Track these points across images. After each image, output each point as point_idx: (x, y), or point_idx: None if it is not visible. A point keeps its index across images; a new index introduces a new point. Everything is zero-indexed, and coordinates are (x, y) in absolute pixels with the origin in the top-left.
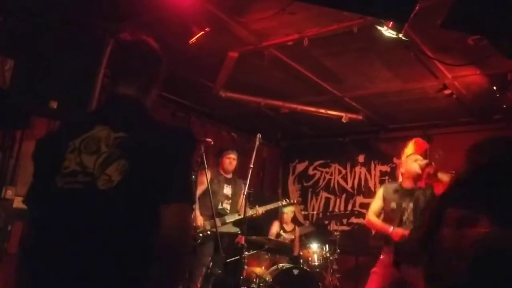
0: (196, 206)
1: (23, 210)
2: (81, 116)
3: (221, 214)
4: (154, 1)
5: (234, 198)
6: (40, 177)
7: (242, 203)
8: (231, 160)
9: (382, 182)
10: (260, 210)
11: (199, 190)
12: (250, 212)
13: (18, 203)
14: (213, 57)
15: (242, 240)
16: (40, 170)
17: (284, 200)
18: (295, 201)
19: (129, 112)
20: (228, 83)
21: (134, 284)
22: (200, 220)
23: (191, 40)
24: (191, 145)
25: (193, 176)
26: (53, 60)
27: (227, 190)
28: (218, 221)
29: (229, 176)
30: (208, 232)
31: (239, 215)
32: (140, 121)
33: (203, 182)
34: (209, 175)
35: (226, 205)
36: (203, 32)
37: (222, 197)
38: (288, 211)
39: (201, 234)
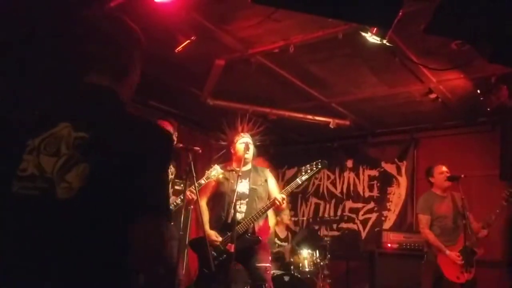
0: (205, 220)
1: None
2: (43, 109)
3: (237, 221)
4: (139, 10)
5: (252, 193)
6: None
7: (274, 192)
8: (247, 145)
9: (370, 186)
10: (283, 196)
11: (202, 202)
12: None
13: None
14: (200, 65)
15: (231, 248)
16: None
17: (304, 172)
18: (320, 165)
19: (97, 107)
20: (215, 91)
21: None
22: (214, 237)
23: (177, 49)
24: (166, 146)
25: (181, 185)
26: (39, 70)
27: (242, 186)
28: (230, 237)
29: (246, 168)
30: (224, 256)
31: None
32: (108, 118)
33: (205, 192)
34: (205, 178)
35: (241, 207)
36: (189, 41)
37: (233, 198)
38: (284, 217)
39: (216, 262)
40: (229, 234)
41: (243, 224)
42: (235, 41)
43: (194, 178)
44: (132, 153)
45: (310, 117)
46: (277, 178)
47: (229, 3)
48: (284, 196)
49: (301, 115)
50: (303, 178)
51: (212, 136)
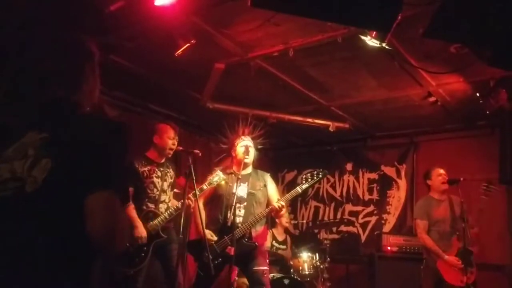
0: (203, 219)
1: None
2: (11, 123)
3: (234, 226)
4: (139, 14)
5: (250, 197)
6: None
7: (274, 198)
8: (247, 148)
9: (370, 189)
10: (282, 203)
11: (200, 203)
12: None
13: None
14: (199, 68)
15: (231, 251)
16: None
17: (305, 181)
18: (320, 174)
19: (56, 113)
20: (215, 95)
21: (75, 284)
22: (209, 236)
23: (177, 53)
24: (118, 135)
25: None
26: (37, 74)
27: (241, 190)
28: (226, 240)
29: (245, 171)
30: (220, 259)
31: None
32: (66, 120)
33: (203, 194)
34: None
35: (239, 211)
36: (189, 44)
37: (232, 202)
38: (283, 219)
39: (216, 262)
40: (225, 237)
41: (241, 229)
42: (235, 44)
43: (194, 181)
44: (85, 142)
45: (309, 120)
46: (276, 181)
47: (229, 7)
48: (283, 204)
49: (300, 119)
50: (303, 187)
51: (212, 140)
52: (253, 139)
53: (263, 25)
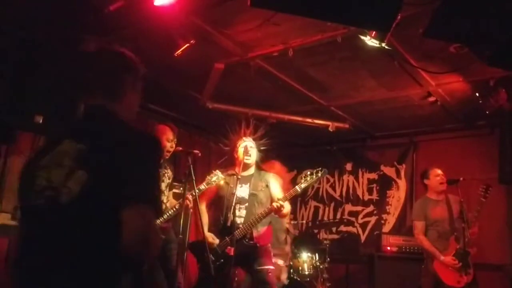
0: (204, 222)
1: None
2: (56, 132)
3: (231, 228)
4: (138, 14)
5: (252, 198)
6: (18, 195)
7: (277, 195)
8: (246, 149)
9: (370, 190)
10: (281, 203)
11: (201, 205)
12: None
13: (3, 219)
14: (199, 68)
15: (231, 251)
16: (19, 189)
17: (304, 179)
18: (323, 172)
19: (94, 123)
20: (215, 94)
21: None
22: (210, 239)
23: (177, 53)
24: (150, 149)
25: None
26: (38, 74)
27: (242, 191)
28: (228, 241)
29: (247, 172)
30: (222, 260)
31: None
32: (103, 131)
33: (205, 196)
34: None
35: (240, 212)
36: (188, 44)
37: (233, 202)
38: (284, 220)
39: (214, 266)
40: (227, 238)
41: (242, 229)
42: (234, 44)
43: (194, 181)
44: (120, 156)
45: (309, 120)
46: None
47: (228, 7)
48: (282, 204)
49: (300, 119)
50: (302, 186)
51: (211, 140)
52: (254, 139)
53: (263, 25)
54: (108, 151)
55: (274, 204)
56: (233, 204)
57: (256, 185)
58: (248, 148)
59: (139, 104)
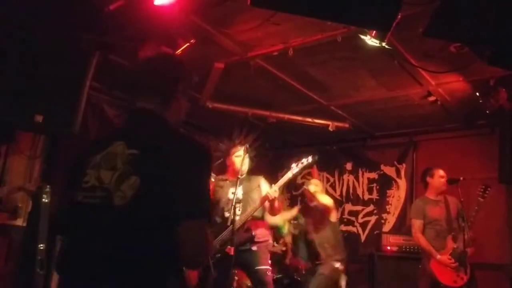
0: None
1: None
2: (107, 132)
3: (227, 224)
4: (138, 13)
5: (245, 197)
6: (65, 191)
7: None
8: (240, 158)
9: (370, 189)
10: (272, 190)
11: None
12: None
13: (3, 219)
14: (199, 68)
15: (231, 251)
16: (67, 183)
17: (296, 165)
18: (310, 160)
19: (145, 127)
20: (215, 94)
21: None
22: None
23: (177, 52)
24: (205, 160)
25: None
26: (38, 73)
27: (238, 192)
28: (226, 235)
29: (236, 178)
30: (219, 255)
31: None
32: (155, 136)
33: None
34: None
35: (237, 211)
36: (188, 44)
37: (228, 204)
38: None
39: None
40: (224, 231)
41: (238, 220)
42: (234, 44)
43: (214, 181)
44: (175, 165)
45: (309, 120)
46: (276, 181)
47: (228, 7)
48: (276, 189)
49: (300, 118)
50: (294, 171)
51: (211, 139)
52: (249, 146)
53: (263, 24)
54: (161, 159)
55: (270, 191)
56: (234, 203)
57: (248, 186)
58: (244, 158)
59: (186, 111)
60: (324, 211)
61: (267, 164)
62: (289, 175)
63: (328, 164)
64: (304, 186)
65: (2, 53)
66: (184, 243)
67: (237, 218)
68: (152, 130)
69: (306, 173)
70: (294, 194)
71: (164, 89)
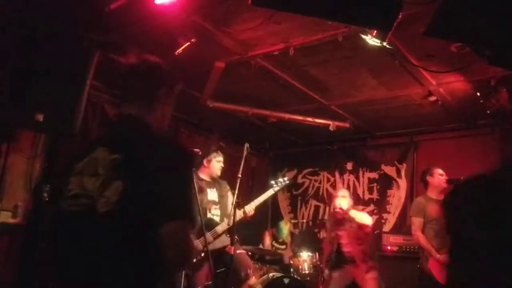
0: None
1: (8, 225)
2: (92, 139)
3: (211, 225)
4: (139, 12)
5: (222, 200)
6: (52, 199)
7: (231, 206)
8: (221, 164)
9: (370, 189)
10: (249, 208)
11: None
12: (241, 214)
13: (4, 217)
14: (200, 67)
15: (231, 250)
16: (56, 191)
17: (276, 184)
18: (287, 180)
19: (128, 133)
20: (215, 93)
21: None
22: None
23: (178, 51)
24: (187, 164)
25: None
26: (39, 72)
27: (212, 194)
28: (209, 236)
29: (211, 179)
30: (202, 255)
31: (229, 224)
32: (138, 141)
33: None
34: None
35: (215, 211)
36: (189, 43)
37: (209, 204)
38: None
39: (194, 260)
40: (208, 233)
41: (220, 226)
42: (235, 43)
43: (195, 180)
44: (157, 169)
45: (310, 119)
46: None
47: (229, 6)
48: (253, 208)
49: (301, 118)
50: (275, 190)
51: (211, 139)
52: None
53: (264, 23)
54: (144, 163)
55: (247, 209)
56: (234, 202)
57: (221, 189)
58: (222, 163)
59: (171, 116)
60: (363, 227)
61: (268, 164)
62: (268, 194)
63: (329, 164)
64: (334, 205)
65: (3, 52)
66: (165, 245)
67: (218, 219)
68: (135, 136)
69: (307, 173)
70: (295, 193)
71: (147, 95)
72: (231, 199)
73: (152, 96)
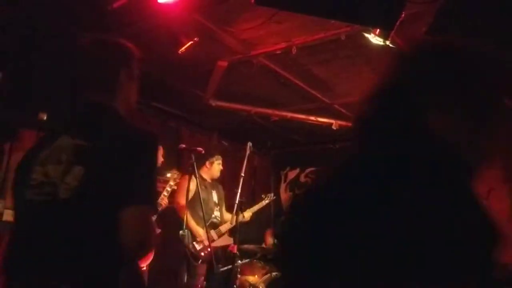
0: (189, 217)
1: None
2: (54, 128)
3: (216, 224)
4: (141, 11)
5: (221, 202)
6: (14, 190)
7: (224, 210)
8: (221, 166)
9: None
10: (247, 214)
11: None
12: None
13: (7, 216)
14: (202, 66)
15: (234, 249)
16: (14, 182)
17: (267, 197)
18: (272, 196)
19: (92, 119)
20: (218, 92)
21: (104, 285)
22: (200, 233)
23: (180, 50)
24: (150, 148)
25: (172, 183)
26: (42, 72)
27: (214, 196)
28: (214, 234)
29: (211, 181)
30: (209, 249)
31: (232, 224)
32: (101, 126)
33: (192, 189)
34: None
35: (217, 213)
36: (191, 42)
37: (213, 204)
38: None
39: (202, 253)
40: (213, 231)
41: (223, 227)
42: (238, 42)
43: (197, 178)
44: (119, 153)
45: (312, 118)
46: (279, 179)
47: (232, 5)
48: (250, 214)
49: (303, 117)
50: (271, 198)
51: (213, 139)
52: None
53: (266, 23)
54: (105, 147)
55: (245, 217)
56: (237, 202)
57: (219, 192)
58: (221, 165)
59: (136, 97)
60: None
61: (270, 163)
62: (263, 203)
63: (331, 163)
64: None
65: (6, 52)
66: (125, 230)
67: (217, 220)
68: (98, 121)
69: (309, 172)
70: (297, 192)
71: (107, 79)
72: (224, 205)
73: (113, 79)
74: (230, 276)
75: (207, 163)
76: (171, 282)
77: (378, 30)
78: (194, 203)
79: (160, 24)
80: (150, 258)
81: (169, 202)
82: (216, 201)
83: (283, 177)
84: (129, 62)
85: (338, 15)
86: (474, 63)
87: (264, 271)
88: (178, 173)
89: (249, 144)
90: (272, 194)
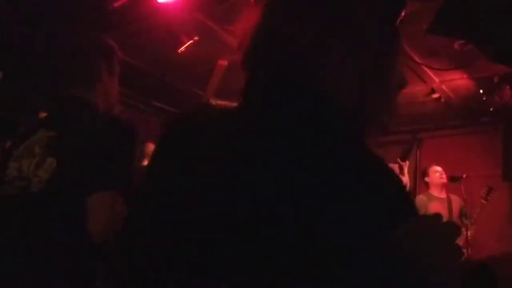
0: None
1: None
2: (31, 123)
3: None
4: (142, 10)
5: None
6: None
7: None
8: None
9: None
10: None
11: None
12: None
13: None
14: (202, 65)
15: None
16: None
17: None
18: None
19: (69, 112)
20: (218, 92)
21: (80, 281)
22: None
23: (180, 49)
24: (126, 138)
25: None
26: (43, 69)
27: None
28: None
29: None
30: None
31: None
32: (73, 118)
33: None
34: None
35: None
36: (192, 41)
37: None
38: None
39: None
40: None
41: None
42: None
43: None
44: (92, 142)
45: None
46: None
47: (232, 4)
48: None
49: None
50: None
51: None
52: None
53: None
54: (78, 139)
55: None
56: None
57: None
58: None
59: (118, 91)
60: None
61: None
62: None
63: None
64: None
65: (7, 50)
66: (89, 219)
67: None
68: (74, 114)
69: None
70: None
71: (85, 72)
72: None
73: (92, 75)
74: None
75: None
76: None
77: None
78: None
79: (160, 23)
80: None
81: None
82: None
83: None
84: (109, 57)
85: None
86: None
87: None
88: None
89: None
90: None
